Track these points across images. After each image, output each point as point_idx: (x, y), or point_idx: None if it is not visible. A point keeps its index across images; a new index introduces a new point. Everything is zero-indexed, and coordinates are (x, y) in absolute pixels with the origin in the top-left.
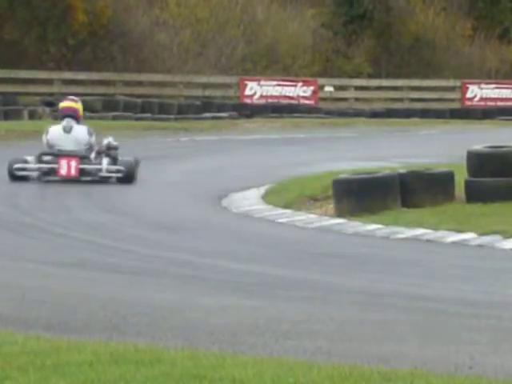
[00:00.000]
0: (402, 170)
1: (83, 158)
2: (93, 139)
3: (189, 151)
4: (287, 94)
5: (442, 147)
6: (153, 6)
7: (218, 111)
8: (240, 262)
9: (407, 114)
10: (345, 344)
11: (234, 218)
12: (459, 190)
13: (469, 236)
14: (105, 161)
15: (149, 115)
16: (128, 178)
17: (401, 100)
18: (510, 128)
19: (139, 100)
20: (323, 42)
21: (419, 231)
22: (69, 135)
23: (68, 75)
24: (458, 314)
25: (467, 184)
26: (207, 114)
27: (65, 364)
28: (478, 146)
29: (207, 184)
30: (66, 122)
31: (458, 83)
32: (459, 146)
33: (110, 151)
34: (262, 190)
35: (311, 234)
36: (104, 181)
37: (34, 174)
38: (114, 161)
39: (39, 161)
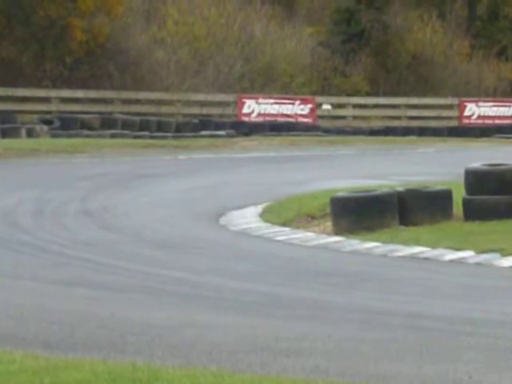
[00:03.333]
0: (399, 188)
1: None
2: None
3: (186, 169)
4: (285, 112)
5: (439, 165)
6: (150, 24)
7: (216, 129)
8: (238, 280)
9: (405, 131)
10: (343, 362)
11: (231, 235)
12: (457, 208)
13: (467, 254)
14: None
15: (147, 133)
16: None
17: (399, 118)
18: (508, 146)
19: (137, 118)
20: (321, 61)
21: (417, 249)
22: None
23: (66, 93)
24: (455, 333)
25: (465, 202)
26: (205, 132)
27: (63, 382)
28: (475, 164)
29: (205, 202)
30: None
31: (455, 101)
32: (457, 164)
33: None
34: (260, 208)
35: (309, 252)
36: None
37: None
38: None
39: None
